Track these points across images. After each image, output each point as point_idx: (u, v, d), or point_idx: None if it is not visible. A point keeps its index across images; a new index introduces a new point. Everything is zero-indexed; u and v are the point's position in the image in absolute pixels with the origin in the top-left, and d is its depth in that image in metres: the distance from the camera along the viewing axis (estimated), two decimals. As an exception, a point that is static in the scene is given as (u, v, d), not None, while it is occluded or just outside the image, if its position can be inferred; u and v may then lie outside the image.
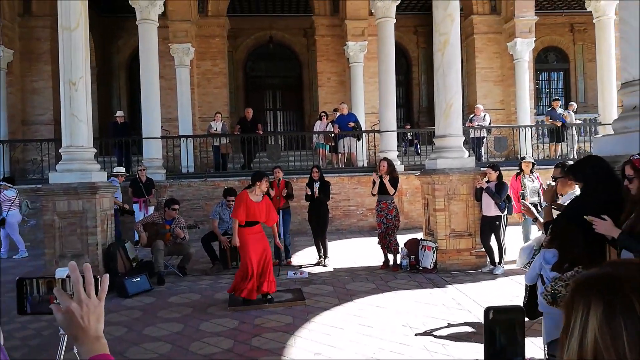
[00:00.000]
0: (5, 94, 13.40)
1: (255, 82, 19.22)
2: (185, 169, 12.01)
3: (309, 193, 7.72)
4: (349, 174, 11.44)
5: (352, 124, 11.73)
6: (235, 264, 7.53)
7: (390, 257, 7.46)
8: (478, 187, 6.98)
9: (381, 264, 7.54)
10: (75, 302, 1.01)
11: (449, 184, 7.17)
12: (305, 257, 8.53)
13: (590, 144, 11.74)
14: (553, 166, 7.34)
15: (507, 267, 7.00)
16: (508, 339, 0.96)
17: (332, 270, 7.49)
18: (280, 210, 7.66)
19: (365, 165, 12.24)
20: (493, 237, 7.03)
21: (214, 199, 10.21)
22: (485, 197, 6.90)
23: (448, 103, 7.23)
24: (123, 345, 4.61)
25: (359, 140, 12.10)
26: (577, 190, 3.97)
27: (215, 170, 12.20)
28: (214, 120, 12.48)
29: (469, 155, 7.66)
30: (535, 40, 14.76)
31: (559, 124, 12.41)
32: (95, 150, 7.26)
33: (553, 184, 3.69)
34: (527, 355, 0.98)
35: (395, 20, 11.58)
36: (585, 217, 2.80)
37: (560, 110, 12.44)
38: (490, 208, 6.89)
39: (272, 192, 7.60)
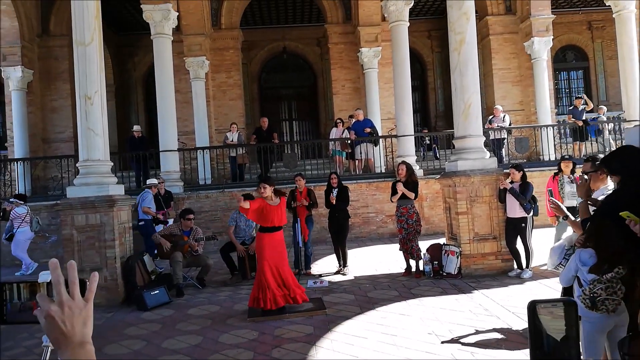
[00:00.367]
0: (26, 113, 13.65)
1: (270, 93, 19.28)
2: (203, 181, 12.00)
3: (331, 200, 7.57)
4: (366, 180, 11.27)
5: (368, 130, 11.58)
6: (255, 275, 7.40)
7: (413, 263, 7.25)
8: (501, 188, 6.76)
9: (403, 270, 7.33)
10: (55, 304, 0.89)
11: (470, 186, 6.95)
12: (324, 265, 8.37)
13: (620, 140, 11.38)
14: (579, 165, 7.07)
15: (535, 270, 6.73)
16: (559, 339, 0.81)
17: (353, 278, 7.32)
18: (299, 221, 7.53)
19: (383, 171, 12.06)
20: (519, 239, 6.78)
21: (231, 209, 10.14)
22: (510, 198, 6.67)
23: (466, 103, 7.04)
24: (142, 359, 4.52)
25: (376, 146, 11.94)
26: (609, 185, 3.75)
27: (232, 181, 12.17)
28: (230, 131, 12.48)
29: (490, 156, 7.42)
30: (552, 39, 14.46)
31: (580, 123, 12.08)
32: (112, 164, 7.26)
33: (586, 177, 3.48)
34: None
35: (408, 24, 11.45)
36: (620, 213, 2.59)
37: (582, 107, 12.10)
38: (514, 209, 6.65)
39: (294, 204, 7.49)
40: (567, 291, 3.06)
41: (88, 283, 0.93)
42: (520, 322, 4.84)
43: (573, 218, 3.89)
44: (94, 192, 6.72)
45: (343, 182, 8.22)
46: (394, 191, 7.15)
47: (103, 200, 6.66)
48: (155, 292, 6.44)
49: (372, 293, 6.35)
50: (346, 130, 12.03)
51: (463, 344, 4.37)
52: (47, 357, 1.01)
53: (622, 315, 2.71)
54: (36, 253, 10.71)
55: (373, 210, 11.15)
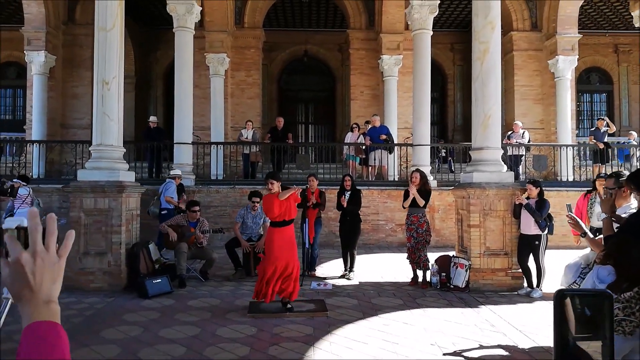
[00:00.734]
0: (46, 98, 13.81)
1: (289, 95, 19.28)
2: (214, 176, 11.97)
3: (342, 202, 7.46)
4: (379, 187, 11.13)
5: (384, 137, 11.46)
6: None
7: (420, 273, 7.09)
8: (517, 203, 6.58)
9: (409, 280, 7.17)
10: (27, 253, 0.80)
11: (485, 198, 6.79)
12: (330, 269, 8.25)
13: None
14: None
15: (545, 290, 6.53)
16: (589, 334, 0.69)
17: (358, 283, 7.18)
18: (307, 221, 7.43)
19: (396, 179, 11.91)
20: (531, 258, 6.59)
21: (241, 206, 10.08)
22: (525, 214, 6.49)
23: (486, 114, 6.89)
24: (137, 346, 4.45)
25: (390, 153, 11.80)
26: (633, 203, 3.60)
27: (244, 178, 12.13)
28: (245, 128, 12.46)
29: (507, 170, 7.26)
30: (577, 60, 14.23)
31: (601, 145, 11.83)
32: (124, 150, 7.26)
33: (611, 192, 3.33)
34: None
35: (431, 33, 11.34)
36: None
37: (604, 129, 11.84)
38: (529, 226, 6.47)
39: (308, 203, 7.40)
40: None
41: (64, 239, 0.84)
42: (528, 341, 4.67)
43: (592, 236, 3.74)
44: (105, 176, 6.71)
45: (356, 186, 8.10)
46: (406, 196, 7.03)
47: (113, 185, 6.65)
48: (158, 280, 6.39)
49: (376, 299, 6.22)
50: (361, 136, 11.93)
51: (466, 357, 4.22)
52: (6, 311, 0.91)
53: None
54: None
55: (383, 218, 11.00)
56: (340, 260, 7.95)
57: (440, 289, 6.80)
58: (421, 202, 6.89)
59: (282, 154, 11.77)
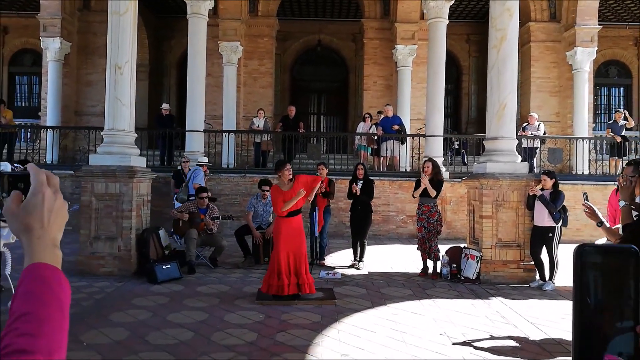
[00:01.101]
0: (61, 85, 13.91)
1: (301, 85, 19.16)
2: (225, 165, 11.98)
3: (354, 191, 7.38)
4: (390, 178, 11.04)
5: (396, 127, 11.34)
6: (268, 260, 7.32)
7: (430, 264, 7.02)
8: (531, 194, 6.45)
9: (419, 271, 7.11)
10: (51, 189, 0.78)
11: (498, 189, 6.67)
12: (339, 259, 8.21)
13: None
14: (613, 181, 6.68)
15: (558, 284, 6.41)
16: (611, 293, 0.63)
17: (367, 273, 7.14)
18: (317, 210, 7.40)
19: (408, 170, 11.79)
20: (544, 250, 6.47)
21: (251, 194, 10.08)
22: (539, 205, 6.37)
23: (502, 103, 6.76)
24: (145, 329, 4.46)
25: (402, 144, 11.68)
26: (652, 192, 3.48)
27: (255, 167, 12.13)
28: (257, 116, 12.42)
29: (522, 161, 7.12)
30: (596, 52, 13.90)
31: (619, 139, 11.57)
32: (136, 135, 7.27)
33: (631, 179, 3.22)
34: None
35: (447, 21, 11.15)
36: None
37: (622, 122, 11.58)
38: (543, 218, 6.34)
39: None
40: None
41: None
42: (539, 333, 4.59)
43: (608, 225, 3.64)
44: (116, 161, 6.73)
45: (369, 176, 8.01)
46: (417, 186, 6.94)
47: (124, 170, 6.66)
48: (167, 266, 6.41)
49: (385, 289, 6.17)
50: (373, 126, 11.82)
51: (476, 347, 4.16)
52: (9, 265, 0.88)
53: None
54: (57, 220, 10.90)
55: (394, 209, 10.92)
56: (350, 251, 7.91)
57: (450, 280, 6.73)
58: (433, 192, 6.80)
59: (294, 143, 11.72)
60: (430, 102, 11.19)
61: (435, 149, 11.03)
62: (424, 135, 11.53)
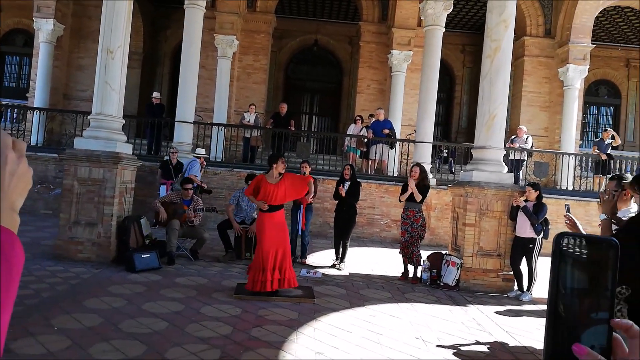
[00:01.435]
0: (51, 67, 13.72)
1: (295, 85, 19.13)
2: (214, 158, 11.90)
3: (340, 192, 7.37)
4: (377, 181, 11.05)
5: (386, 131, 11.36)
6: (249, 255, 7.29)
7: (411, 268, 7.04)
8: (515, 205, 6.51)
9: (400, 274, 7.12)
10: (15, 153, 0.75)
11: (482, 198, 6.72)
12: (321, 258, 8.19)
13: None
14: (596, 198, 6.75)
15: (535, 295, 6.47)
16: (589, 282, 0.63)
17: (348, 274, 7.13)
18: (302, 207, 7.39)
19: (396, 175, 11.82)
20: (524, 261, 6.53)
21: (238, 189, 10.04)
22: (521, 217, 6.42)
23: (492, 113, 6.80)
24: (119, 317, 4.39)
25: (392, 148, 11.71)
26: (632, 207, 3.52)
27: (242, 161, 12.06)
28: (248, 111, 12.36)
29: (508, 171, 7.18)
30: (588, 70, 14.09)
31: (604, 157, 11.73)
32: (124, 122, 7.18)
33: (614, 194, 3.25)
34: None
35: (444, 30, 11.21)
36: None
37: (609, 141, 11.75)
38: (525, 229, 6.40)
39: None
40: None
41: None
42: (513, 341, 4.62)
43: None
44: (101, 146, 6.63)
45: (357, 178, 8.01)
46: (404, 190, 6.95)
47: (109, 155, 6.57)
48: (146, 255, 6.33)
49: (364, 291, 6.16)
50: (364, 129, 11.83)
51: (451, 352, 4.16)
52: None
53: None
54: (38, 203, 10.73)
55: (379, 213, 10.94)
56: (332, 251, 7.89)
57: (430, 285, 6.75)
58: (418, 197, 6.81)
59: (283, 140, 11.68)
60: (421, 108, 11.24)
61: (424, 155, 11.07)
62: (414, 141, 11.57)
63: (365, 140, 11.57)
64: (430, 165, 11.33)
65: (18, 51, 17.38)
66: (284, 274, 5.47)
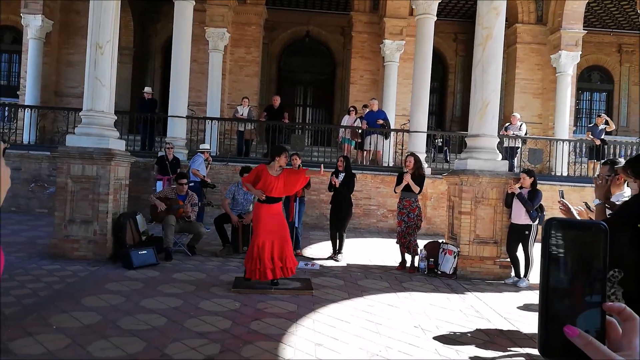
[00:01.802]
0: (41, 64, 13.56)
1: (288, 77, 19.03)
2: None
3: (334, 183, 7.36)
4: (373, 172, 11.06)
5: (381, 122, 11.34)
6: (246, 249, 7.27)
7: (408, 258, 7.06)
8: (509, 192, 6.53)
9: (397, 264, 7.15)
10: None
11: (478, 186, 6.73)
12: (318, 250, 8.21)
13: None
14: (590, 184, 6.80)
15: (532, 281, 6.51)
16: (581, 266, 0.63)
17: (345, 265, 7.15)
18: (297, 199, 7.38)
19: (391, 165, 11.82)
20: (521, 248, 6.57)
21: (233, 183, 10.01)
22: (516, 203, 6.45)
23: (485, 101, 6.80)
24: (117, 314, 4.38)
25: (386, 138, 11.70)
26: (626, 192, 3.54)
27: (237, 155, 12.02)
28: (241, 105, 12.30)
29: (502, 159, 7.19)
30: (580, 56, 14.10)
31: (598, 142, 11.78)
32: (115, 117, 7.12)
33: (607, 178, 3.27)
34: None
35: (435, 18, 11.17)
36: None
37: (602, 127, 11.79)
38: (520, 216, 6.43)
39: None
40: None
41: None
42: (511, 328, 4.66)
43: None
44: (94, 143, 6.58)
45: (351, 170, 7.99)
46: (399, 181, 6.95)
47: (102, 152, 6.52)
48: (143, 252, 6.31)
49: (362, 281, 6.18)
50: (358, 119, 11.81)
51: (448, 340, 4.19)
52: None
53: None
54: (32, 202, 10.67)
55: (375, 203, 10.95)
56: (329, 243, 7.90)
57: (427, 274, 6.78)
58: (416, 189, 6.81)
59: (277, 133, 11.64)
60: (415, 98, 11.22)
61: (419, 145, 11.07)
62: (408, 131, 11.56)
63: (360, 131, 11.56)
64: (425, 155, 11.35)
65: (7, 48, 17.15)
66: (284, 262, 5.47)
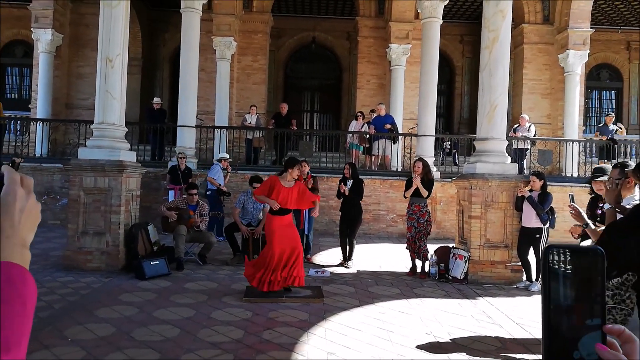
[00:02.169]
0: (52, 77, 13.77)
1: (295, 83, 19.12)
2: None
3: (343, 190, 7.39)
4: (381, 177, 11.05)
5: (388, 126, 11.35)
6: (257, 257, 7.31)
7: (419, 263, 7.05)
8: (520, 195, 6.50)
9: (408, 270, 7.14)
10: (24, 189, 0.76)
11: (487, 190, 6.71)
12: (328, 257, 8.22)
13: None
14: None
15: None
16: (580, 290, 0.65)
17: (356, 272, 7.15)
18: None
19: (400, 169, 11.82)
20: (532, 251, 6.53)
21: (242, 191, 10.06)
22: (527, 207, 6.41)
23: (493, 104, 6.79)
24: (131, 325, 4.44)
25: (394, 143, 11.70)
26: (636, 195, 3.52)
27: (246, 163, 12.09)
28: (249, 113, 12.38)
29: (511, 162, 7.17)
30: (588, 55, 14.00)
31: (604, 138, 11.66)
32: (126, 129, 7.22)
33: (617, 182, 3.25)
34: None
35: (441, 21, 11.16)
36: None
37: (612, 127, 11.69)
38: (530, 219, 6.39)
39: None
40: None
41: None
42: (524, 333, 4.63)
43: (593, 227, 3.67)
44: (105, 155, 6.67)
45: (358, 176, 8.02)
46: (408, 186, 6.96)
47: (113, 164, 6.61)
48: (155, 262, 6.38)
49: (373, 288, 6.19)
50: (366, 125, 11.82)
51: (461, 347, 4.18)
52: None
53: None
54: (45, 214, 10.80)
55: (384, 208, 10.94)
56: (339, 249, 7.91)
57: (438, 279, 6.76)
58: (425, 193, 6.82)
59: (285, 140, 11.70)
60: (422, 101, 11.22)
61: (427, 148, 11.06)
62: (416, 135, 11.55)
63: (367, 136, 11.57)
64: (434, 159, 11.32)
65: (18, 62, 17.45)
66: (292, 272, 5.49)
